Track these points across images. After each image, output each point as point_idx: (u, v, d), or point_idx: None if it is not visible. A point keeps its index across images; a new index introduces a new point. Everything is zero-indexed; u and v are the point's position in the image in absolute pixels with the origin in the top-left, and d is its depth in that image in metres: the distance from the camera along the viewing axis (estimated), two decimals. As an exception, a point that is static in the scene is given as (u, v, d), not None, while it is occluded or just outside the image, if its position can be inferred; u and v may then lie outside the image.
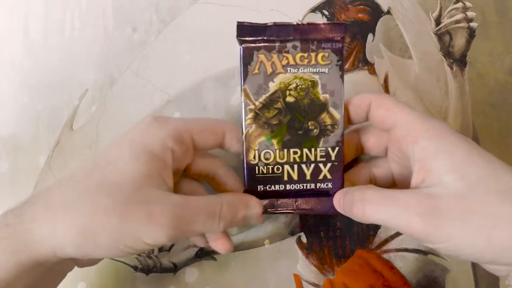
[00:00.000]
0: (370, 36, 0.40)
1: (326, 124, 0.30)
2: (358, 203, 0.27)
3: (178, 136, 0.27)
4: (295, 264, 0.37)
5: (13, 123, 0.38)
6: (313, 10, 0.40)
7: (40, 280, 0.26)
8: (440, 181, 0.25)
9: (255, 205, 0.28)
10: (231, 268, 0.37)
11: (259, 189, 0.30)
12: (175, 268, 0.36)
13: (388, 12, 0.40)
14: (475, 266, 0.37)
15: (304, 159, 0.30)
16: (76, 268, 0.35)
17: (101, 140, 0.38)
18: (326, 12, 0.40)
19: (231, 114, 0.38)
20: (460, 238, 0.23)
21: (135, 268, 0.36)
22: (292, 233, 0.37)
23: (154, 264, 0.36)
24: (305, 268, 0.37)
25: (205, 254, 0.37)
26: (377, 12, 0.40)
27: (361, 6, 0.40)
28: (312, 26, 0.29)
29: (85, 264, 0.29)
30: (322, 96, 0.29)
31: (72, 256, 0.25)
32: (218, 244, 0.30)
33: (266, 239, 0.37)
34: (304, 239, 0.37)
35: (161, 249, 0.36)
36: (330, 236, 0.37)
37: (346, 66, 0.39)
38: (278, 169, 0.30)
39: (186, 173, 0.31)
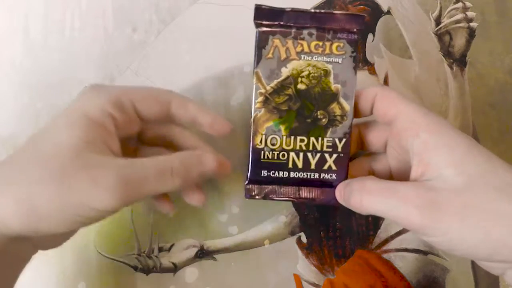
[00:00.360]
0: (370, 36, 0.40)
1: (336, 114, 0.29)
2: (356, 193, 0.27)
3: (118, 103, 0.27)
4: (295, 264, 0.37)
5: (13, 123, 0.38)
6: (313, 10, 0.40)
7: None
8: (440, 174, 0.25)
9: (209, 161, 0.27)
10: (231, 268, 0.37)
11: (262, 174, 0.30)
12: (175, 268, 0.36)
13: (388, 12, 0.40)
14: (475, 266, 0.37)
15: (311, 148, 0.30)
16: (76, 267, 0.35)
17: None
18: (326, 12, 0.40)
19: (231, 114, 0.38)
20: (458, 233, 0.23)
21: (135, 268, 0.36)
22: (292, 233, 0.37)
23: (154, 264, 0.36)
24: (305, 268, 0.37)
25: (205, 254, 0.37)
26: (377, 12, 0.40)
27: (361, 6, 0.40)
28: (330, 15, 0.29)
29: (46, 246, 0.28)
30: (334, 86, 0.29)
31: (19, 233, 0.24)
32: (191, 198, 0.30)
33: (266, 239, 0.37)
34: (304, 239, 0.37)
35: (161, 249, 0.36)
36: (330, 236, 0.37)
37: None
38: (283, 155, 0.30)
39: (143, 141, 0.31)
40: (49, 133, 0.25)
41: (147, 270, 0.36)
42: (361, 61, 0.40)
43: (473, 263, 0.37)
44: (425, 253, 0.37)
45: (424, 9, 0.41)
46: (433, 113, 0.27)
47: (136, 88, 0.29)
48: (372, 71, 0.40)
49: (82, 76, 0.39)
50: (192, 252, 0.37)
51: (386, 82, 0.40)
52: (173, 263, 0.36)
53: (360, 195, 0.26)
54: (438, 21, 0.40)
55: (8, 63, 0.38)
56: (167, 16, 0.39)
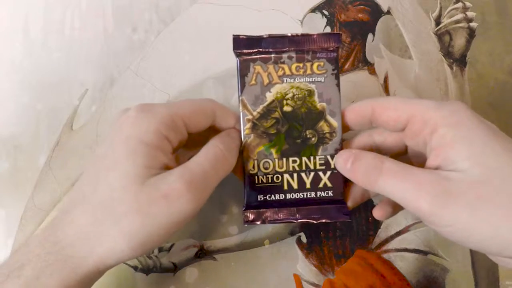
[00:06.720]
0: (370, 36, 0.40)
1: (324, 132, 0.30)
2: (373, 171, 0.26)
3: (171, 123, 0.27)
4: (295, 264, 0.37)
5: (13, 123, 0.38)
6: (313, 10, 0.40)
7: None
8: (456, 167, 0.24)
9: (231, 131, 0.30)
10: (231, 268, 0.37)
11: (259, 199, 0.30)
12: (175, 268, 0.36)
13: (388, 12, 0.40)
14: (475, 266, 0.37)
15: (304, 168, 0.30)
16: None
17: (101, 140, 0.38)
18: (326, 12, 0.40)
19: (231, 114, 0.38)
20: (467, 225, 0.23)
21: (135, 268, 0.36)
22: (292, 233, 0.37)
23: (154, 264, 0.36)
24: (305, 268, 0.37)
25: (205, 254, 0.37)
26: (377, 12, 0.40)
27: (361, 6, 0.40)
28: (307, 37, 0.29)
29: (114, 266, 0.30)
30: (319, 105, 0.30)
31: (114, 265, 0.26)
32: None
33: (266, 239, 0.37)
34: (304, 239, 0.37)
35: (161, 249, 0.36)
36: (330, 236, 0.37)
37: (346, 66, 0.39)
38: (277, 178, 0.30)
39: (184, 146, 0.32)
40: (115, 168, 0.26)
41: (147, 270, 0.36)
42: (361, 61, 0.40)
43: (473, 263, 0.37)
44: (425, 253, 0.37)
45: (424, 9, 0.41)
46: (446, 103, 0.26)
47: (182, 103, 0.29)
48: (372, 71, 0.40)
49: (82, 76, 0.39)
50: (192, 252, 0.37)
51: (386, 82, 0.40)
52: (173, 263, 0.36)
53: (378, 174, 0.26)
54: (438, 21, 0.40)
55: (8, 63, 0.38)
56: (167, 16, 0.39)
